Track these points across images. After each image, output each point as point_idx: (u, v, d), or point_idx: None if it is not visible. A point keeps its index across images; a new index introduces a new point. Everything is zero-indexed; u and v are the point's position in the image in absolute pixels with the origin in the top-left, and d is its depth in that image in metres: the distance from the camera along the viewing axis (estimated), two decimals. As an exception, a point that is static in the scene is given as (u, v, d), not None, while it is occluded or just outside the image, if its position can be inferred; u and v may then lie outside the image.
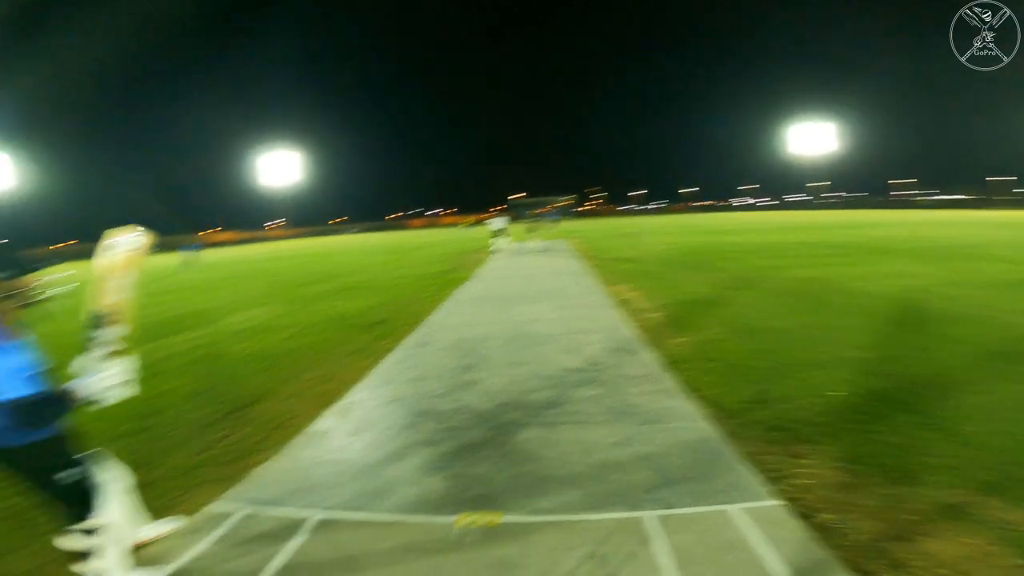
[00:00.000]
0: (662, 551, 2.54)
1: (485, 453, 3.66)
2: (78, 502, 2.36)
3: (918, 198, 77.72)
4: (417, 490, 3.22)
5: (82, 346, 2.37)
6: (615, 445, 3.67)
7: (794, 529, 2.66)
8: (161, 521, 2.94)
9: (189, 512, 3.12)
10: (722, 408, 4.18)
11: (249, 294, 13.55)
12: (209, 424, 4.49)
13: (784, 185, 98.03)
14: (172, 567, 2.61)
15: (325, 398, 4.93)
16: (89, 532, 2.37)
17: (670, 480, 3.17)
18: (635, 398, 4.50)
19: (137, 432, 4.37)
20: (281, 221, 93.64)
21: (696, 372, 5.05)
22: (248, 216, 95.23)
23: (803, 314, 7.21)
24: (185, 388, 5.56)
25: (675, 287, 10.03)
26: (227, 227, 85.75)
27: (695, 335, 6.38)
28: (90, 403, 2.30)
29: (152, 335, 8.46)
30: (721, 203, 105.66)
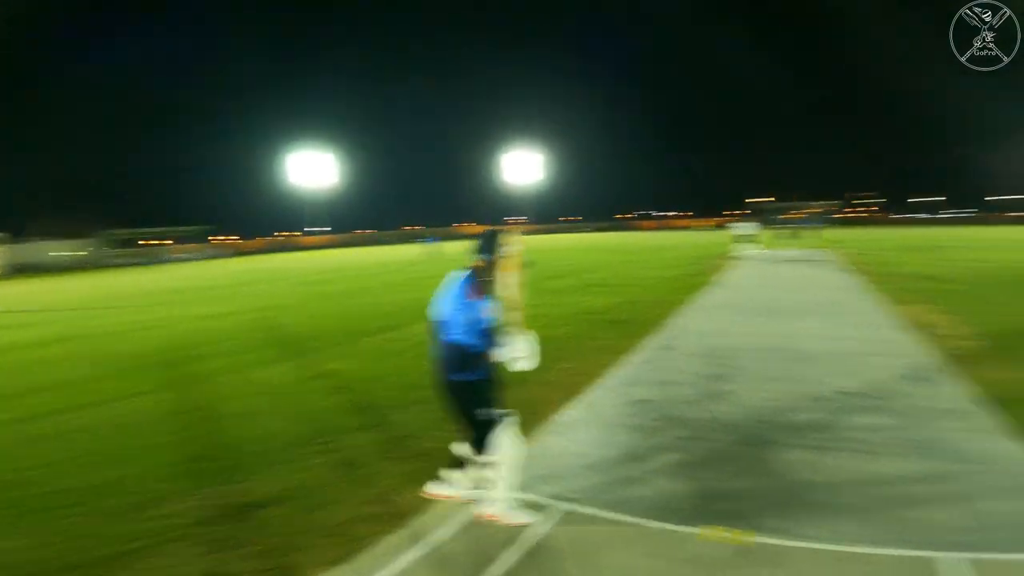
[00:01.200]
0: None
1: (736, 468, 3.39)
2: (483, 436, 2.87)
3: None
4: (660, 496, 3.11)
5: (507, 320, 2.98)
6: (905, 479, 3.09)
7: None
8: (524, 511, 2.98)
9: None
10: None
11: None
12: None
13: None
14: (430, 544, 2.79)
15: (574, 390, 5.15)
16: (485, 464, 2.90)
17: (986, 525, 2.56)
18: (939, 432, 3.70)
19: (420, 402, 4.94)
20: (522, 219, 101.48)
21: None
22: (494, 212, 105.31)
23: None
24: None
25: (1003, 312, 7.83)
26: (476, 221, 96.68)
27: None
28: (504, 365, 2.88)
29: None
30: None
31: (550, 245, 40.83)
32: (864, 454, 3.46)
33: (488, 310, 2.81)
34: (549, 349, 6.78)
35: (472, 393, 2.83)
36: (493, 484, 2.88)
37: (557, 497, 3.16)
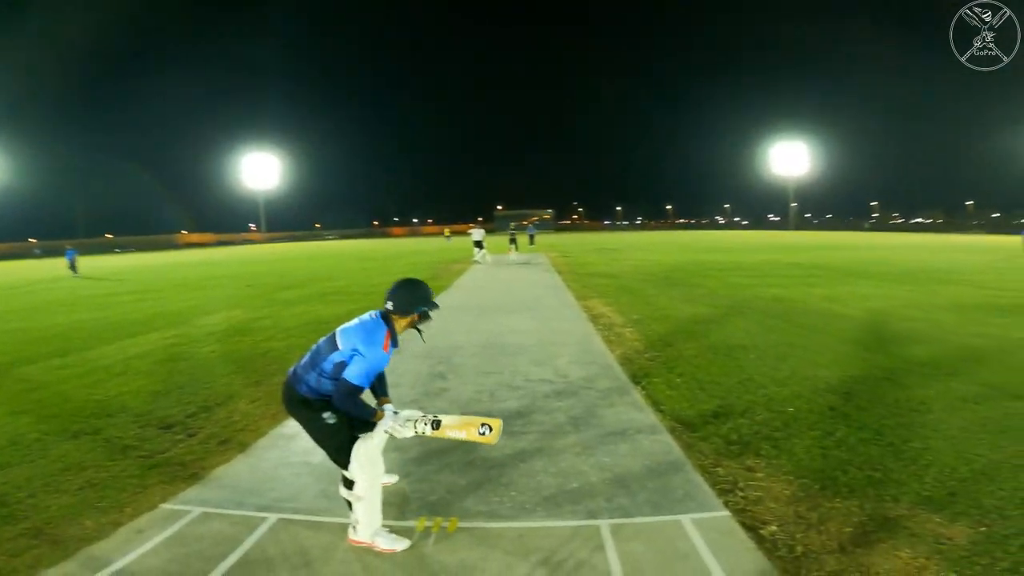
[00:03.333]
0: (614, 559, 2.60)
1: (446, 460, 3.71)
2: (335, 460, 2.76)
3: (891, 220, 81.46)
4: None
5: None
6: (576, 453, 3.75)
7: (742, 540, 2.74)
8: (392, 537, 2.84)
9: (145, 509, 3.11)
10: (683, 421, 4.29)
11: (226, 297, 13.39)
12: (175, 423, 4.47)
13: (762, 205, 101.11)
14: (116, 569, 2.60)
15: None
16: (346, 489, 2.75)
17: (630, 490, 3.25)
18: (602, 410, 4.60)
19: (92, 432, 4.36)
20: (251, 226, 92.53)
21: (661, 386, 5.16)
22: (225, 218, 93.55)
23: (773, 333, 7.40)
24: (151, 387, 5.50)
25: (648, 303, 10.20)
26: (199, 229, 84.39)
27: (663, 351, 6.51)
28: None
29: (116, 334, 8.34)
30: (700, 221, 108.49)
31: (287, 254, 37.94)
32: (548, 434, 4.11)
33: (385, 362, 2.74)
34: (269, 362, 6.37)
35: (310, 414, 2.72)
36: (354, 508, 2.74)
37: (269, 508, 3.11)
